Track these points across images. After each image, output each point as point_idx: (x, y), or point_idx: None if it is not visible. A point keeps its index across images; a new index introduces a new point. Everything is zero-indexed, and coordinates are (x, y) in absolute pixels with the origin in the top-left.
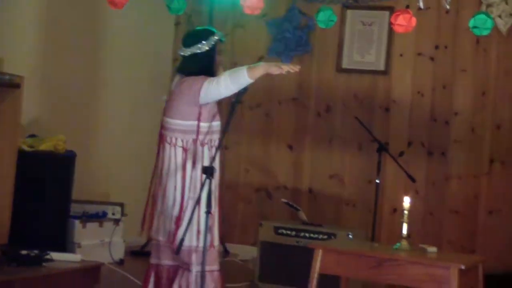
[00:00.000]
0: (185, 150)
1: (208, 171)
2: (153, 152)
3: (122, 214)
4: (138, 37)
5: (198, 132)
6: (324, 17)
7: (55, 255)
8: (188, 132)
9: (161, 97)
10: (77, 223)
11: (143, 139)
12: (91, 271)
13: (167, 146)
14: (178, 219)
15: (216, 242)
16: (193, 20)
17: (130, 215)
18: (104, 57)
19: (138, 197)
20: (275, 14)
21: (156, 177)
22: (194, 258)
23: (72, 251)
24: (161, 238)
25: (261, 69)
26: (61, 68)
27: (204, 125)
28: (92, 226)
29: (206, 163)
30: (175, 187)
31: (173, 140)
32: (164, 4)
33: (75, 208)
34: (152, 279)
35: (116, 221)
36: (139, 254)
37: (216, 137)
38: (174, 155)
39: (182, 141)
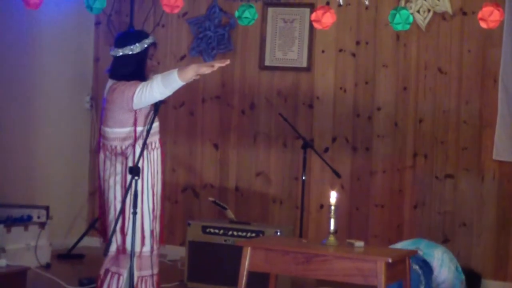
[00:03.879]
0: (125, 157)
1: (133, 171)
2: (78, 152)
3: (48, 217)
4: (59, 37)
5: (135, 137)
6: (242, 14)
7: None
8: (127, 139)
9: (85, 98)
10: (1, 227)
11: (67, 140)
12: (17, 276)
13: (108, 155)
14: (122, 229)
15: (157, 244)
16: (113, 19)
17: (56, 218)
18: (23, 57)
19: (64, 199)
20: (196, 12)
21: (101, 188)
22: (137, 264)
23: None
24: (112, 249)
25: (192, 71)
26: None
27: (140, 129)
28: (17, 230)
29: (149, 166)
30: (114, 196)
31: (113, 148)
32: (84, 4)
33: None
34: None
35: (42, 225)
36: (66, 257)
37: (156, 139)
38: (114, 163)
39: (122, 148)
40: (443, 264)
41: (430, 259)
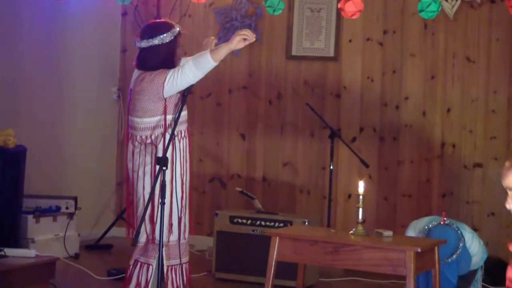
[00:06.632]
0: (155, 146)
1: (161, 162)
2: (105, 143)
3: (76, 207)
4: (86, 28)
5: (165, 126)
6: (268, 3)
7: (8, 251)
8: (156, 128)
9: (112, 88)
10: (30, 218)
11: (95, 130)
12: (46, 266)
13: (137, 145)
14: (152, 219)
15: (187, 234)
16: (139, 10)
17: (84, 209)
18: (52, 49)
19: (92, 190)
20: (223, 2)
21: (129, 178)
22: (165, 253)
23: (26, 246)
24: (142, 240)
25: (225, 49)
26: (9, 61)
27: (170, 117)
28: (45, 220)
29: (178, 155)
30: (143, 187)
31: (143, 139)
32: None
33: (27, 203)
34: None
35: (70, 215)
36: (94, 247)
37: (184, 128)
38: (144, 154)
39: (151, 137)
40: (473, 237)
41: (462, 230)
